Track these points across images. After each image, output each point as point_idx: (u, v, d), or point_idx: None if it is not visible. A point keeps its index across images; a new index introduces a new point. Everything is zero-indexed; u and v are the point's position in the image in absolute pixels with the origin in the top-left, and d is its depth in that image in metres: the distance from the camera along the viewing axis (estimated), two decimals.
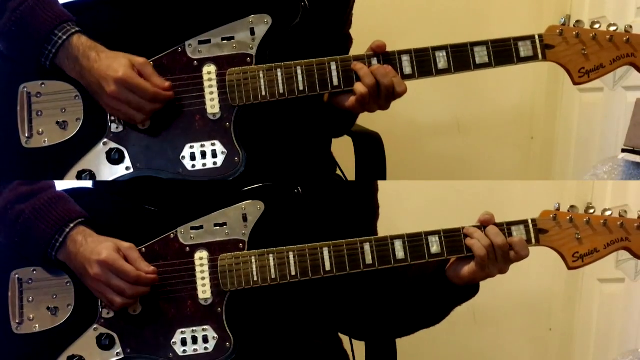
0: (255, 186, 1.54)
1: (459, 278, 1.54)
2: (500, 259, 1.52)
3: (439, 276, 1.57)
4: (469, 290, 1.57)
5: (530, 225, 1.55)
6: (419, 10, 2.68)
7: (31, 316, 1.52)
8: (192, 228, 1.53)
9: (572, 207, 1.57)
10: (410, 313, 1.64)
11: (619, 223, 1.56)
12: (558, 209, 1.56)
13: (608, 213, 1.57)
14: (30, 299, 1.52)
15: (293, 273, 1.52)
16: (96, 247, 1.47)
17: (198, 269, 1.53)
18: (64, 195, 1.53)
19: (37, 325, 1.52)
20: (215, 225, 1.53)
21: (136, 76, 1.49)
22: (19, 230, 1.50)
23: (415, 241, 1.54)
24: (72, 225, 1.49)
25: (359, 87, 1.54)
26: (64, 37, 1.50)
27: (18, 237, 1.51)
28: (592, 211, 1.57)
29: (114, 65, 1.48)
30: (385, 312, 1.66)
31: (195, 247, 1.53)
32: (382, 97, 1.55)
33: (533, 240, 1.55)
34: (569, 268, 1.57)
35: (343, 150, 1.90)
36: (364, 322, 1.70)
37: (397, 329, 1.72)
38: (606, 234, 1.56)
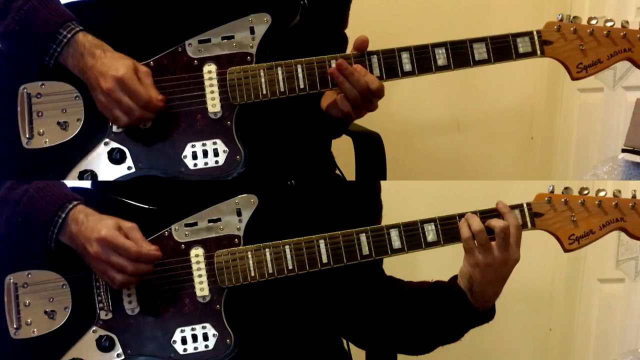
0: (247, 179, 1.53)
1: (463, 279, 1.53)
2: (501, 243, 1.50)
3: (453, 294, 1.54)
4: (478, 316, 1.55)
5: (526, 209, 1.55)
6: (420, 8, 2.69)
7: (29, 320, 1.51)
8: (186, 225, 1.53)
9: (566, 189, 1.56)
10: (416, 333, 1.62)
11: (613, 203, 1.55)
12: (552, 192, 1.56)
13: (602, 194, 1.56)
14: (27, 303, 1.52)
15: (290, 267, 1.51)
16: (96, 225, 1.46)
17: (194, 266, 1.52)
18: (63, 183, 1.53)
19: (35, 330, 1.51)
20: (210, 221, 1.53)
21: (135, 80, 1.49)
22: (22, 209, 1.49)
23: (411, 230, 1.53)
24: (74, 202, 1.48)
25: (344, 106, 1.55)
26: (69, 36, 1.50)
27: (21, 217, 1.50)
28: (586, 192, 1.56)
29: (117, 64, 1.49)
30: (385, 329, 1.65)
31: (190, 244, 1.53)
32: (363, 100, 1.55)
33: (529, 224, 1.55)
34: (565, 250, 1.56)
35: (343, 150, 1.91)
36: (364, 333, 1.69)
37: (397, 346, 1.71)
38: (601, 215, 1.55)
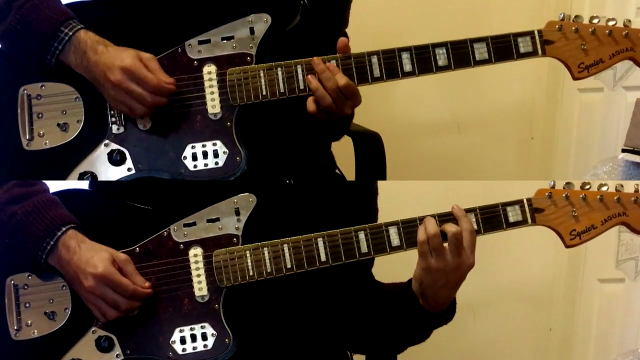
0: (246, 179, 1.53)
1: (415, 282, 1.52)
2: (453, 248, 1.48)
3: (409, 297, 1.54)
4: (432, 318, 1.55)
5: (526, 205, 1.53)
6: (421, 8, 2.69)
7: (29, 322, 1.52)
8: (185, 225, 1.53)
9: (567, 183, 1.54)
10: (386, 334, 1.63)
11: (615, 198, 1.53)
12: (553, 187, 1.54)
13: (604, 188, 1.54)
14: (27, 304, 1.52)
15: (288, 265, 1.51)
16: (91, 258, 1.47)
17: (193, 266, 1.52)
18: (57, 200, 1.53)
19: (35, 331, 1.52)
20: (208, 220, 1.53)
21: (142, 67, 1.49)
22: (11, 232, 1.50)
23: (410, 227, 1.52)
24: (64, 229, 1.49)
25: (310, 106, 1.55)
26: (70, 33, 1.50)
27: (9, 238, 1.50)
28: (587, 187, 1.54)
29: (122, 55, 1.49)
30: (357, 330, 1.65)
31: (189, 244, 1.53)
32: (337, 100, 1.54)
33: (529, 220, 1.53)
34: (567, 246, 1.55)
35: (343, 150, 1.91)
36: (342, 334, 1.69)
37: (368, 346, 1.72)
38: (603, 209, 1.53)
